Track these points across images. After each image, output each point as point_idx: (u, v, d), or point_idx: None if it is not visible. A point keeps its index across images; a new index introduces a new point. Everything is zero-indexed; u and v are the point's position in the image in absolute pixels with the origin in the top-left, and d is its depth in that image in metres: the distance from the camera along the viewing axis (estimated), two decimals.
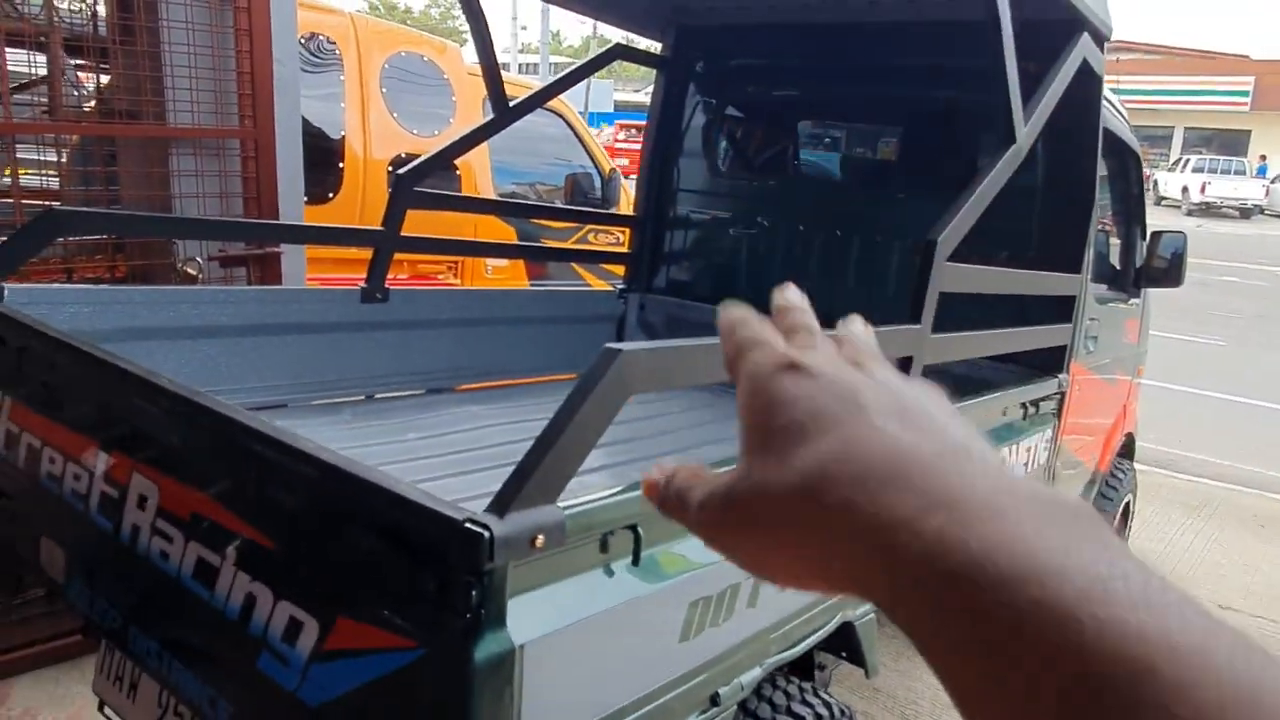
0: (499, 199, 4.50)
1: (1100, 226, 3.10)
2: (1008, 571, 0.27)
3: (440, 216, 3.44)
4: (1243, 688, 0.24)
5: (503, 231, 4.53)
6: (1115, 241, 3.54)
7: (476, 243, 4.13)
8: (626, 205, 4.98)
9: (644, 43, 3.67)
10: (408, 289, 3.06)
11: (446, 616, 1.02)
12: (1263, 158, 29.27)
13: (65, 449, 1.62)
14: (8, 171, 2.76)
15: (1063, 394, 2.75)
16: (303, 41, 3.62)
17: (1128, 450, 3.89)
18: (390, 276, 2.82)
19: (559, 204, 5.01)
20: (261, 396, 2.52)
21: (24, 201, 2.70)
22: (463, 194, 4.23)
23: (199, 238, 2.83)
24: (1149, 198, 3.92)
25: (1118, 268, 3.49)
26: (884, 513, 0.31)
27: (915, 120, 3.29)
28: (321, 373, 2.66)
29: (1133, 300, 3.51)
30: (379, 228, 2.79)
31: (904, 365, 1.87)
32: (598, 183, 5.15)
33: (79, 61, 3.08)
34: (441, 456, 2.33)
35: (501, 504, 1.02)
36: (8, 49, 2.64)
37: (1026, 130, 2.14)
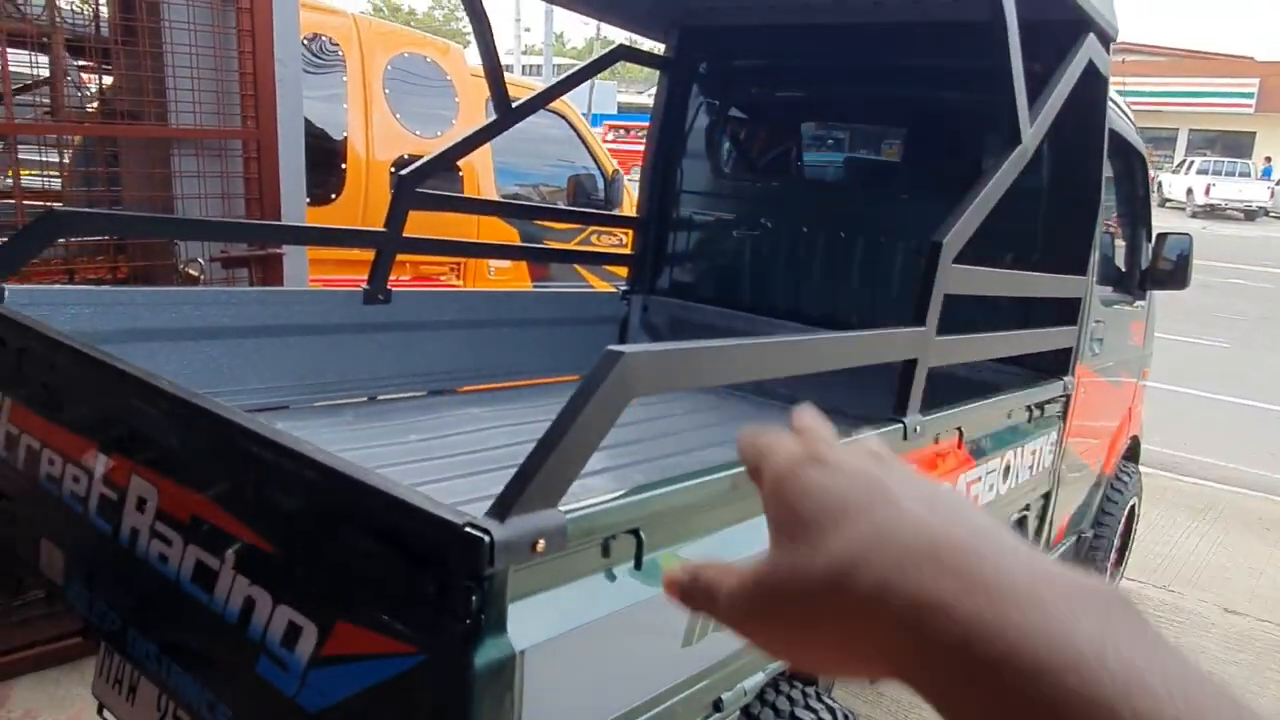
0: (502, 200, 4.50)
1: (1105, 228, 3.09)
2: (1046, 660, 0.28)
3: (443, 218, 3.43)
4: None
5: (505, 233, 4.52)
6: (1120, 243, 3.52)
7: (479, 244, 4.12)
8: (629, 206, 4.97)
9: (648, 44, 3.66)
10: (410, 290, 3.05)
11: (446, 621, 1.01)
12: (1267, 159, 29.21)
13: (65, 451, 1.62)
14: (10, 173, 2.75)
15: (1068, 397, 2.73)
16: (305, 42, 3.61)
17: (1133, 453, 3.87)
18: (393, 278, 2.81)
19: (562, 205, 5.01)
20: (263, 398, 2.51)
21: (26, 202, 2.70)
22: (465, 195, 4.23)
23: (201, 239, 2.82)
24: (1153, 200, 3.90)
25: (1123, 270, 3.47)
26: (921, 595, 0.31)
27: (919, 121, 3.28)
28: (323, 374, 2.65)
29: (1138, 302, 3.49)
30: (381, 229, 2.79)
31: (908, 368, 1.86)
32: (600, 184, 5.14)
33: (82, 62, 3.07)
34: (443, 459, 2.32)
35: (502, 508, 1.01)
36: (10, 49, 2.64)
37: (1032, 131, 2.12)
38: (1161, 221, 3.63)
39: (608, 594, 1.18)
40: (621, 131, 17.77)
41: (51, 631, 2.59)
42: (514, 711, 1.05)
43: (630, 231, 3.82)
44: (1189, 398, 7.52)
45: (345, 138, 3.98)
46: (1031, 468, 2.57)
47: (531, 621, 1.06)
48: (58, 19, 2.79)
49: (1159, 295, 3.67)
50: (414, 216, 2.79)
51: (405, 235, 2.79)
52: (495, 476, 2.11)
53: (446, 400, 2.95)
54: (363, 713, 1.08)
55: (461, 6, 2.75)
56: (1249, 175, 26.75)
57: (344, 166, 3.96)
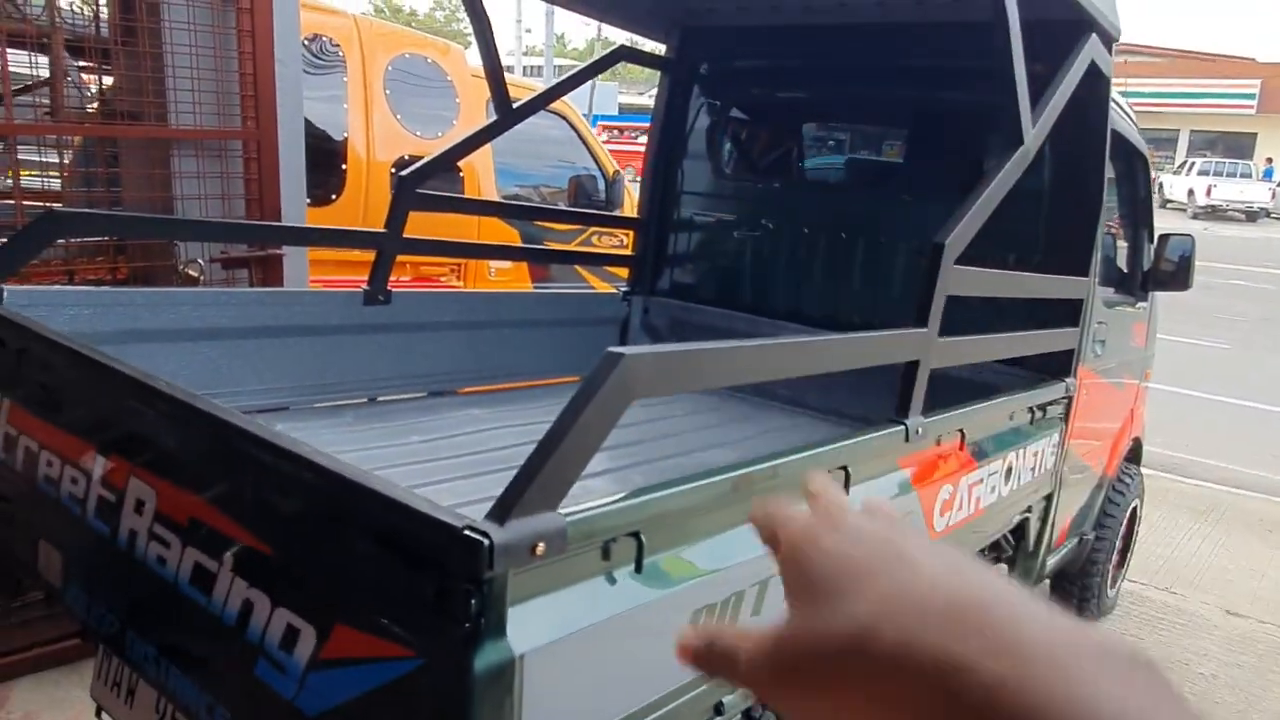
0: (502, 201, 4.49)
1: (1107, 229, 3.08)
2: None
3: (443, 218, 3.43)
4: None
5: (506, 234, 4.52)
6: (1123, 244, 3.52)
7: (479, 245, 4.11)
8: (630, 208, 4.96)
9: (649, 45, 3.65)
10: (410, 291, 3.04)
11: (445, 625, 1.00)
12: (1269, 160, 29.19)
13: (63, 452, 1.61)
14: (10, 174, 2.75)
15: (1070, 398, 2.73)
16: (306, 43, 3.61)
17: (1135, 455, 3.86)
18: (393, 278, 2.80)
19: (562, 206, 5.00)
20: (263, 399, 2.50)
21: (25, 203, 2.69)
22: (466, 196, 4.22)
23: (201, 239, 2.81)
24: (1155, 201, 3.89)
25: (1125, 271, 3.47)
26: (944, 656, 0.31)
27: (921, 122, 3.27)
28: (323, 375, 2.65)
29: (1140, 303, 3.48)
30: (381, 230, 2.78)
31: (910, 369, 1.85)
32: (601, 185, 5.14)
33: (83, 64, 3.07)
34: (443, 460, 2.32)
35: (502, 511, 1.01)
36: (9, 50, 2.63)
37: (1034, 132, 2.12)
38: (1162, 223, 3.62)
39: (608, 597, 1.18)
40: (615, 132, 17.79)
41: (51, 633, 2.59)
42: (514, 716, 1.04)
43: (631, 232, 3.82)
44: (1190, 399, 7.51)
45: (346, 138, 3.97)
46: (1034, 470, 2.56)
47: (531, 625, 1.06)
48: (57, 19, 2.78)
49: (1160, 296, 3.66)
50: (414, 217, 2.78)
51: (405, 236, 2.79)
52: (496, 478, 2.09)
53: (447, 401, 2.94)
54: (362, 716, 1.08)
55: (463, 7, 2.75)
56: (1250, 176, 26.72)
57: (344, 167, 3.95)
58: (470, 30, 2.79)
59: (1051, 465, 2.71)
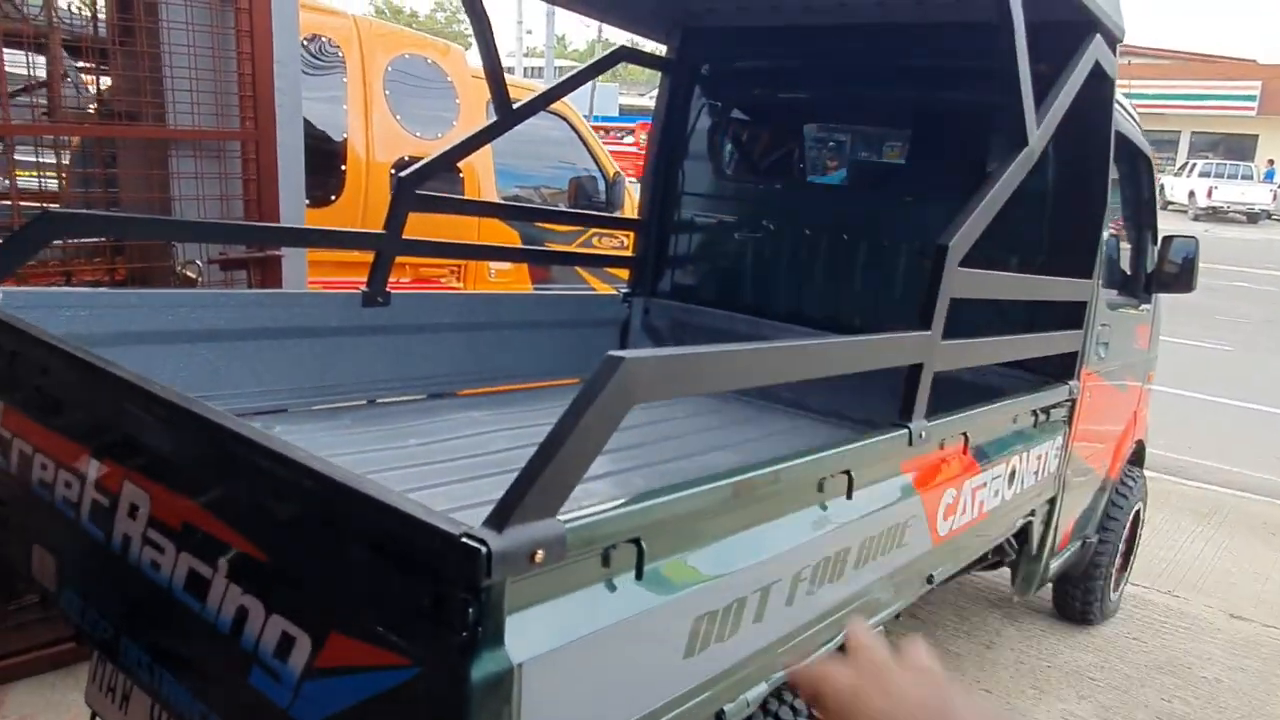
0: (502, 202, 4.48)
1: (1110, 231, 3.06)
2: None
3: (443, 219, 3.41)
4: None
5: (506, 235, 4.50)
6: (1126, 246, 3.50)
7: (479, 246, 4.10)
8: (631, 209, 4.95)
9: (651, 46, 3.63)
10: (409, 293, 3.03)
11: (442, 634, 0.98)
12: (1270, 162, 29.16)
13: (57, 455, 1.59)
14: (8, 174, 2.73)
15: (1074, 401, 2.71)
16: (305, 43, 3.59)
17: (1138, 457, 3.84)
18: (393, 280, 2.79)
19: (563, 207, 4.99)
20: (261, 401, 2.49)
21: (23, 204, 2.68)
22: (466, 197, 4.20)
23: (198, 240, 2.80)
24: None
25: (1128, 273, 3.45)
26: None
27: (923, 123, 3.26)
28: (322, 377, 2.63)
29: (1143, 305, 3.46)
30: (380, 231, 2.76)
31: (914, 372, 1.83)
32: (602, 186, 5.12)
33: (83, 64, 3.05)
34: (442, 463, 2.30)
35: (500, 517, 0.99)
36: (7, 50, 2.62)
37: (1038, 133, 2.10)
38: (1163, 224, 3.61)
39: (608, 605, 1.16)
40: (601, 133, 17.77)
41: (47, 636, 2.57)
42: None
43: (631, 234, 3.80)
44: (1193, 401, 7.49)
45: (345, 139, 3.95)
46: (1037, 473, 2.54)
47: (530, 633, 1.04)
48: (55, 18, 2.77)
49: (1162, 298, 3.65)
50: (415, 218, 2.77)
51: (405, 237, 2.77)
52: (496, 481, 2.08)
53: (446, 404, 2.93)
54: None
55: (463, 9, 2.73)
56: (1251, 178, 26.70)
57: (344, 168, 3.94)
58: (471, 31, 2.78)
59: (1055, 469, 2.69)
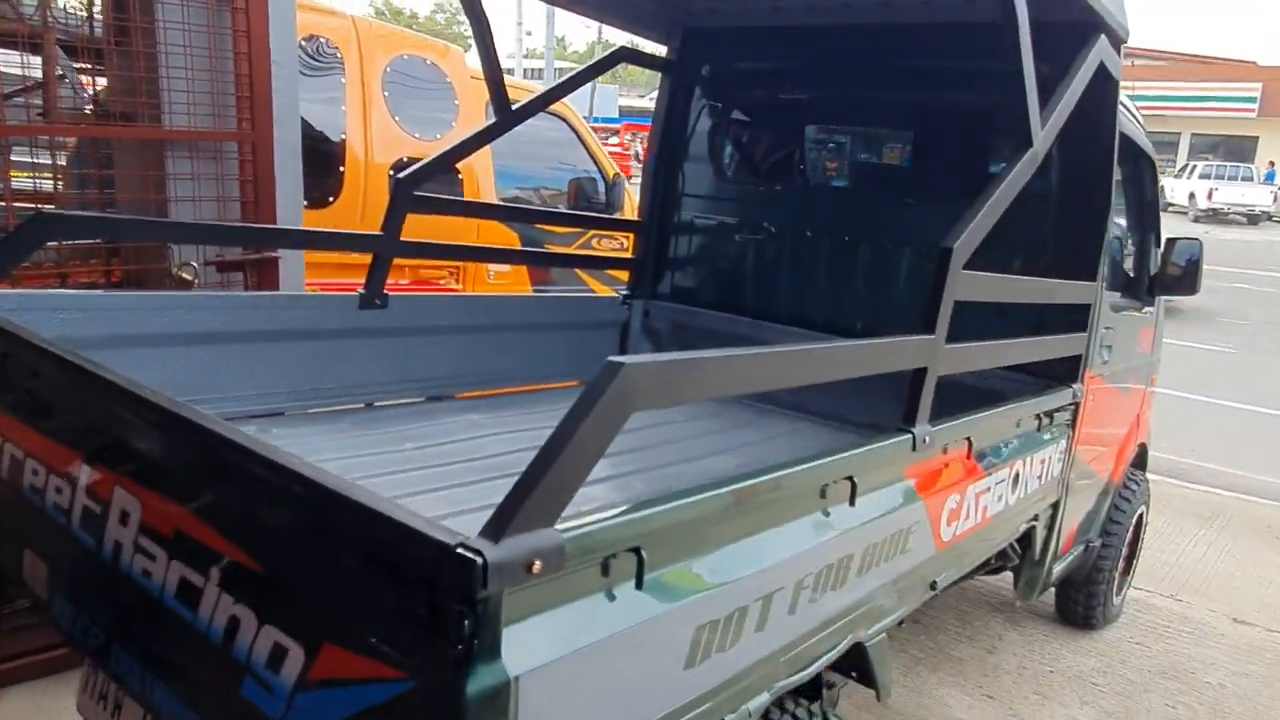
0: (501, 203, 4.45)
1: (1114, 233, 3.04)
2: None
3: (442, 221, 3.39)
4: None
5: (505, 236, 4.48)
6: (1129, 248, 3.48)
7: (478, 248, 4.08)
8: (630, 210, 4.93)
9: (652, 48, 3.61)
10: (407, 295, 3.01)
11: (437, 646, 0.96)
12: (1270, 164, 29.16)
13: (48, 460, 1.57)
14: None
15: (1077, 405, 2.69)
16: (303, 44, 3.57)
17: (1141, 461, 3.82)
18: (391, 282, 2.77)
19: (562, 209, 4.97)
20: (258, 404, 2.47)
21: (18, 205, 2.66)
22: (464, 198, 4.18)
23: (194, 242, 2.78)
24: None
25: (1131, 275, 3.43)
26: None
27: (926, 124, 3.23)
28: (319, 380, 2.61)
29: (1147, 308, 3.44)
30: (378, 233, 2.74)
31: (918, 376, 1.81)
32: (601, 187, 5.11)
33: (81, 65, 3.03)
34: (440, 467, 2.28)
35: (497, 527, 0.97)
36: (2, 50, 2.60)
37: (1043, 135, 2.08)
38: (1163, 226, 3.59)
39: (607, 615, 1.14)
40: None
41: (41, 642, 2.54)
42: None
43: (631, 235, 3.78)
44: (1196, 403, 7.47)
45: (343, 140, 3.94)
46: (1040, 477, 2.52)
47: (527, 646, 1.02)
48: (50, 18, 2.74)
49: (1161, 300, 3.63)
50: (414, 219, 2.75)
51: (403, 239, 2.75)
52: (494, 485, 2.06)
53: (444, 406, 2.91)
54: None
55: (463, 10, 2.72)
56: (1251, 180, 26.70)
57: (342, 169, 3.92)
58: (471, 33, 2.76)
59: (1058, 472, 2.67)
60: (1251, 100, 30.13)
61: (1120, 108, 2.68)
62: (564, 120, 5.02)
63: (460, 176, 4.21)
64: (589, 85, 3.61)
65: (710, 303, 3.44)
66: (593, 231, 4.88)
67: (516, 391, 3.13)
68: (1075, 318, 2.65)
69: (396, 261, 2.80)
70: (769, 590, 1.41)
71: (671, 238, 3.57)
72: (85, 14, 2.87)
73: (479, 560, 0.91)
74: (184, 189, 2.81)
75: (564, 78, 3.37)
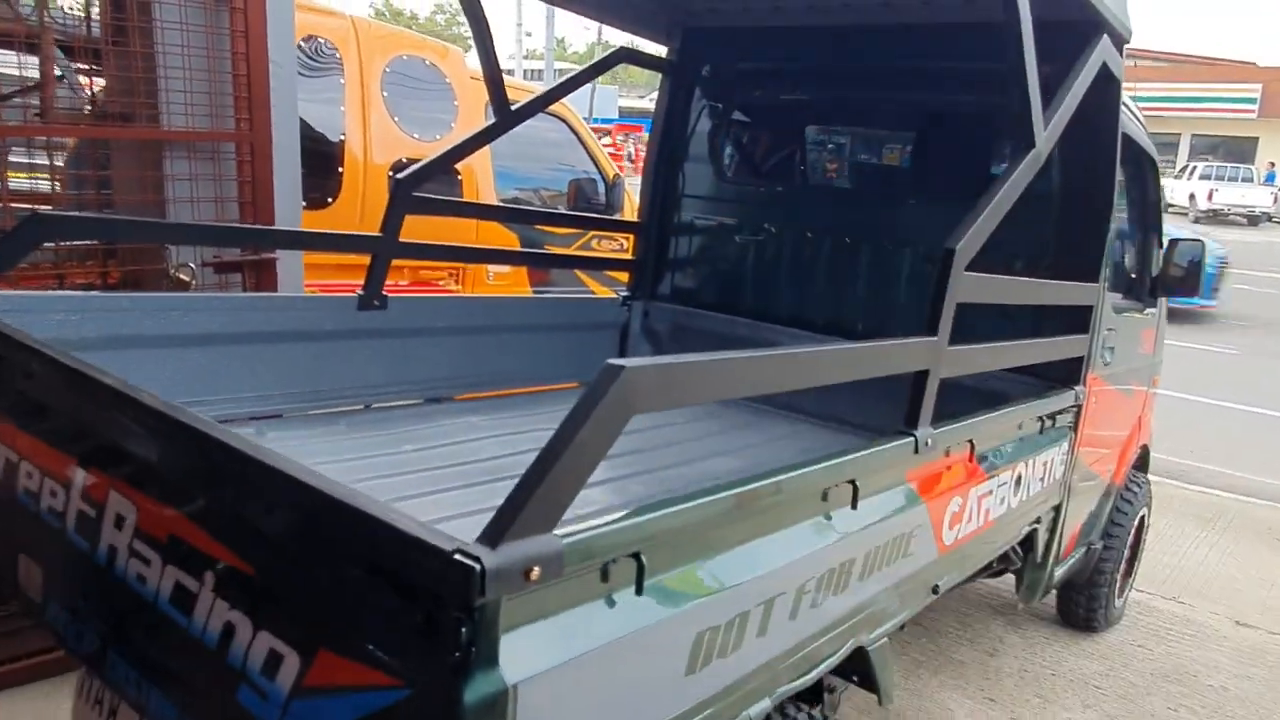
0: (501, 204, 4.44)
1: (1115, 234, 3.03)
2: None
3: (441, 222, 3.37)
4: None
5: (505, 237, 4.46)
6: (1131, 249, 3.46)
7: (478, 249, 4.06)
8: (630, 211, 4.91)
9: (652, 48, 3.60)
10: (406, 296, 2.99)
11: (434, 653, 0.95)
12: (1271, 165, 29.14)
13: (43, 464, 1.56)
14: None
15: (1079, 406, 2.67)
16: (301, 44, 3.56)
17: (1143, 462, 3.80)
18: (390, 283, 2.76)
19: (562, 209, 4.95)
20: (256, 406, 2.46)
21: (16, 205, 2.64)
22: (464, 199, 4.17)
23: (192, 243, 2.76)
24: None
25: (1133, 276, 3.41)
26: None
27: (927, 125, 3.22)
28: (317, 382, 2.60)
29: (1149, 309, 3.43)
30: (377, 234, 2.73)
31: (920, 379, 1.80)
32: (601, 188, 5.09)
33: (80, 65, 3.02)
34: (440, 469, 2.27)
35: (494, 533, 0.95)
36: (0, 51, 2.58)
37: (1046, 135, 2.06)
38: (1164, 227, 3.57)
39: (607, 621, 1.12)
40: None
41: (38, 644, 2.53)
42: None
43: (631, 236, 3.77)
44: (1198, 405, 7.45)
45: (342, 141, 3.92)
46: (1043, 479, 2.51)
47: (525, 653, 1.00)
48: (47, 18, 2.73)
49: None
50: (413, 220, 2.73)
51: (402, 240, 2.74)
52: (493, 488, 2.05)
53: (443, 408, 2.89)
54: None
55: (462, 11, 2.70)
56: (1251, 181, 26.68)
57: (341, 170, 3.91)
58: (471, 34, 2.75)
59: (1060, 475, 2.66)
60: (1252, 101, 30.12)
61: (1122, 108, 2.67)
62: (564, 121, 5.01)
63: (460, 177, 4.20)
64: (589, 86, 3.61)
65: (710, 304, 3.42)
66: (592, 232, 4.87)
67: (516, 393, 3.11)
68: (1077, 319, 2.64)
69: (395, 262, 2.79)
70: (770, 595, 1.40)
71: (671, 239, 3.56)
72: (83, 14, 2.85)
73: (476, 567, 0.90)
74: (182, 190, 2.79)
75: (564, 78, 3.36)
